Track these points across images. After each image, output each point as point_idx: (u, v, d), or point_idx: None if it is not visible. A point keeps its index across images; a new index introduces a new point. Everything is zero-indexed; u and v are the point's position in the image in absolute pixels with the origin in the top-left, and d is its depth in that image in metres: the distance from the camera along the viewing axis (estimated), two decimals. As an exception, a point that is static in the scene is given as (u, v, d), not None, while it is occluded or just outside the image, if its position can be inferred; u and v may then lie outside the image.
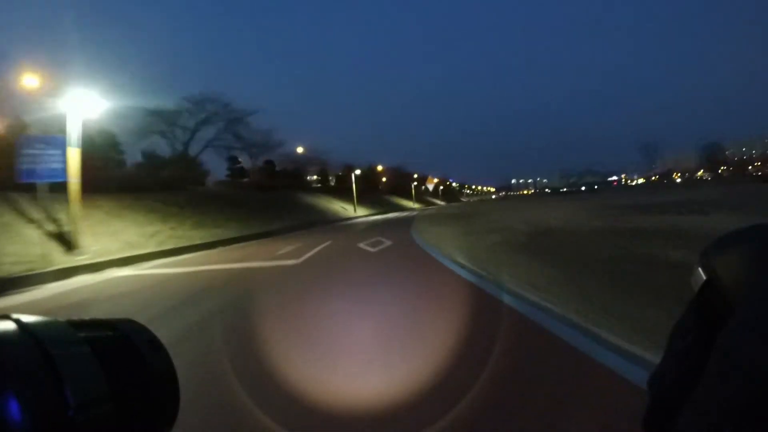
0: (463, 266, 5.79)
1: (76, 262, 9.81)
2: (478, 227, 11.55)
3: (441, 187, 72.15)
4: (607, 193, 58.01)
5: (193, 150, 31.00)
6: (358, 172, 39.65)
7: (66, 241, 11.12)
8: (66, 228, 11.52)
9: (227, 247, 13.22)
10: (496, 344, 2.65)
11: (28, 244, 10.40)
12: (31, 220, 11.66)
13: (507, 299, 3.83)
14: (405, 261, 6.93)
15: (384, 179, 59.44)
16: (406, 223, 18.51)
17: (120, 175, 21.14)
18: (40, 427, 0.21)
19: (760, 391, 0.22)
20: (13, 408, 0.20)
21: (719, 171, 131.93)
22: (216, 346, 3.13)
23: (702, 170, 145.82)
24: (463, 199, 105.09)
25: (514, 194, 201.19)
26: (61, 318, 0.26)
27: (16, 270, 8.38)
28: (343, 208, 36.54)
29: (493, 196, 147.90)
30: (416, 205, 59.52)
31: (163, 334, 0.35)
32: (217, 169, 36.34)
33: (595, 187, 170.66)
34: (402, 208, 48.97)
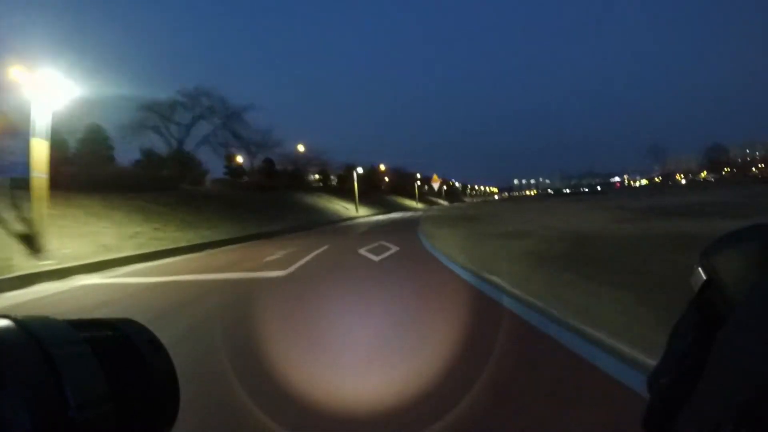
0: (498, 287, 4.44)
1: (40, 267, 8.63)
2: (496, 232, 10.32)
3: (444, 187, 70.90)
4: (612, 194, 56.78)
5: (188, 147, 29.82)
6: (360, 170, 38.43)
7: (34, 244, 9.95)
8: (37, 229, 10.34)
9: (215, 251, 12.04)
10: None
11: (-14, 247, 9.22)
12: (-5, 220, 10.49)
13: (603, 361, 2.42)
14: (417, 276, 5.68)
15: (386, 179, 58.34)
16: (411, 225, 17.31)
17: (111, 173, 19.95)
18: (40, 427, 0.21)
19: (759, 390, 0.22)
20: (13, 408, 0.20)
21: (722, 173, 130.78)
22: None
23: (705, 172, 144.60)
24: (467, 200, 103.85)
25: (517, 195, 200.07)
26: (61, 318, 0.26)
27: (-38, 278, 7.22)
28: (344, 207, 35.36)
29: (496, 197, 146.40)
30: (419, 205, 58.36)
31: None
32: (215, 168, 35.12)
33: (598, 188, 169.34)
34: (405, 208, 47.79)
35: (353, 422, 1.90)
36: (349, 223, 25.25)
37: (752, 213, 10.89)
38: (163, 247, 12.34)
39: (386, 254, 7.71)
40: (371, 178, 51.39)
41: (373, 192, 49.02)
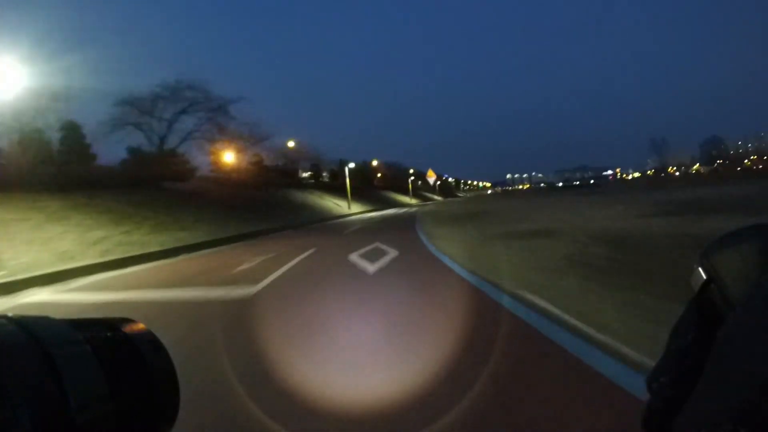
0: (556, 320, 3.00)
1: (-15, 280, 7.24)
2: (511, 231, 8.97)
3: (438, 183, 69.67)
4: (608, 187, 55.68)
5: (172, 143, 28.18)
6: (352, 165, 36.95)
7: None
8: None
9: (190, 256, 10.65)
10: None
11: None
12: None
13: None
14: (428, 297, 4.15)
15: (379, 174, 57.00)
16: (408, 222, 15.98)
17: (87, 172, 18.35)
18: (40, 428, 0.21)
19: (759, 391, 0.22)
20: (13, 408, 0.20)
21: (715, 166, 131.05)
22: None
23: (698, 165, 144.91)
24: (460, 195, 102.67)
25: (509, 189, 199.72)
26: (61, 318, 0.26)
27: None
28: (336, 204, 33.96)
29: (489, 192, 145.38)
30: (413, 201, 57.16)
31: None
32: (205, 165, 33.39)
33: (591, 182, 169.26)
34: (398, 204, 46.50)
35: None
36: (340, 221, 23.88)
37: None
38: (131, 253, 10.92)
39: (383, 262, 6.33)
40: (364, 173, 50.07)
41: (365, 188, 47.74)
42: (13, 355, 0.22)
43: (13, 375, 0.21)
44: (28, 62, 14.63)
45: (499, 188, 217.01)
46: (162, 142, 27.58)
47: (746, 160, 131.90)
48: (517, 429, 1.72)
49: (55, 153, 19.12)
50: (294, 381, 2.34)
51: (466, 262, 5.60)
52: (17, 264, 8.80)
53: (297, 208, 27.38)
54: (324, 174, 45.58)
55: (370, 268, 5.86)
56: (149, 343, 0.29)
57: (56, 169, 16.52)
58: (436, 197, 72.79)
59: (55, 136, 20.47)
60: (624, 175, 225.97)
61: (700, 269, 0.32)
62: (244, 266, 6.91)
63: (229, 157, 31.43)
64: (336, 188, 38.52)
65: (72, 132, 22.53)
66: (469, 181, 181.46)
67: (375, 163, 55.03)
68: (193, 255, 10.65)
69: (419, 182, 71.35)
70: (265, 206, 23.78)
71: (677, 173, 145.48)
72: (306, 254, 7.96)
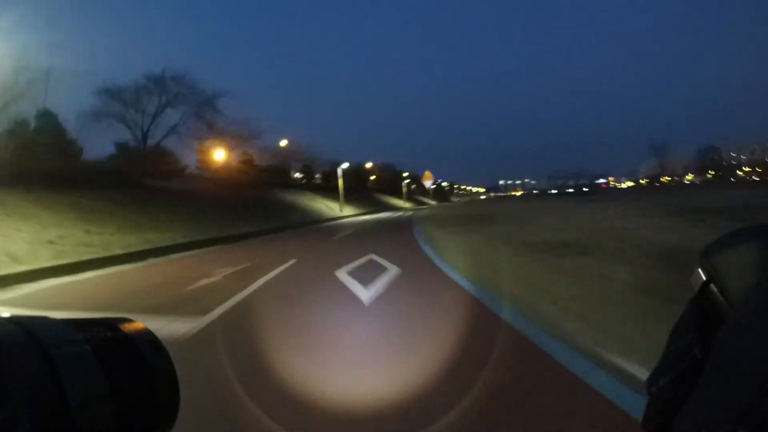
0: None
1: None
2: (535, 240, 7.53)
3: (433, 187, 68.45)
4: (604, 195, 54.75)
5: (156, 138, 26.57)
6: (345, 165, 35.47)
7: None
8: None
9: (154, 261, 9.22)
10: None
11: None
12: None
13: None
14: (458, 358, 2.48)
15: (373, 177, 55.66)
16: (405, 227, 14.59)
17: (60, 166, 16.67)
18: (40, 428, 0.21)
19: (758, 390, 0.21)
20: (13, 408, 0.20)
21: (707, 174, 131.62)
22: None
23: (691, 174, 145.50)
24: (454, 199, 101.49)
25: (503, 195, 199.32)
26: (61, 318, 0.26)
27: None
28: (328, 206, 32.51)
29: (482, 197, 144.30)
30: (407, 204, 55.88)
31: None
32: (189, 163, 31.66)
33: (584, 189, 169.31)
34: (392, 208, 45.16)
35: None
36: (331, 224, 22.44)
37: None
38: (89, 256, 9.44)
39: (381, 285, 4.80)
40: (358, 175, 48.71)
41: (359, 190, 46.39)
42: (13, 355, 0.22)
43: (13, 375, 0.21)
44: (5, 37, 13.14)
45: (492, 194, 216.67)
46: (145, 137, 26.02)
47: (739, 171, 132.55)
48: None
49: (35, 144, 17.55)
50: None
51: (500, 293, 4.12)
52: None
53: (286, 209, 25.88)
54: (317, 175, 44.17)
55: (364, 295, 4.30)
56: (149, 343, 0.29)
57: (26, 164, 14.95)
58: (430, 201, 71.61)
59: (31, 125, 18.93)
60: (617, 184, 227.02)
61: (700, 269, 0.32)
62: (204, 281, 5.42)
63: (216, 154, 29.88)
64: (329, 190, 37.10)
65: (48, 121, 20.82)
66: (463, 186, 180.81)
67: (369, 164, 53.67)
68: (157, 260, 9.17)
69: (413, 185, 70.12)
70: (251, 207, 22.28)
71: (672, 182, 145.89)
72: (284, 267, 6.47)
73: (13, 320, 0.24)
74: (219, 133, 28.99)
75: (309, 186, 39.06)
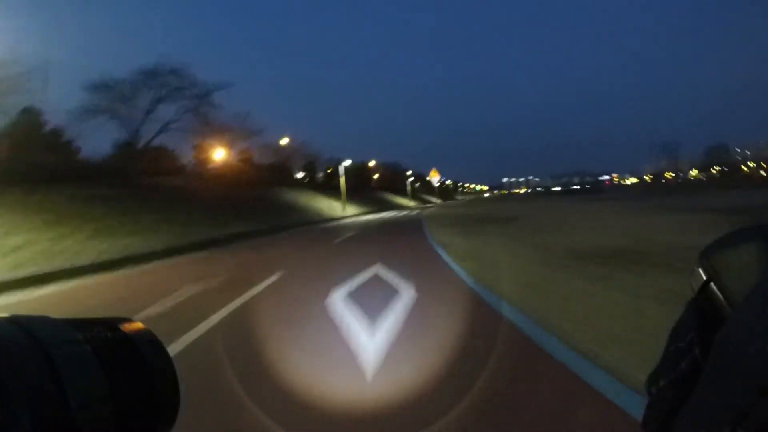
0: None
1: None
2: (576, 248, 6.30)
3: (439, 184, 66.98)
4: (612, 193, 53.23)
5: (150, 134, 25.29)
6: (347, 162, 34.11)
7: None
8: None
9: (125, 272, 8.01)
10: None
11: None
12: None
13: None
14: None
15: (376, 176, 54.34)
16: (414, 228, 13.30)
17: (39, 163, 15.45)
18: (40, 428, 0.21)
19: (758, 390, 0.21)
20: (13, 408, 0.20)
21: (712, 172, 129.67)
22: None
23: (696, 170, 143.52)
24: (459, 198, 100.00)
25: (506, 193, 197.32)
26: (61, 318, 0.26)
27: None
28: (329, 206, 31.23)
29: (486, 195, 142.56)
30: (412, 203, 54.57)
31: None
32: (186, 160, 30.27)
33: (587, 186, 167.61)
34: (397, 207, 43.83)
35: None
36: (332, 224, 21.17)
37: None
38: (54, 267, 8.22)
39: (394, 318, 3.58)
40: (361, 174, 47.42)
41: (362, 189, 45.11)
42: (13, 355, 0.22)
43: (13, 375, 0.21)
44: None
45: (497, 192, 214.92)
46: (137, 133, 24.77)
47: (743, 167, 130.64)
48: None
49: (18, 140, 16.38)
50: None
51: (583, 340, 2.76)
52: None
53: (285, 209, 24.62)
54: (320, 174, 42.91)
55: (366, 350, 2.85)
56: (149, 343, 0.29)
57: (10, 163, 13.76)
58: (435, 200, 70.23)
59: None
60: (621, 181, 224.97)
61: (700, 269, 0.32)
62: (150, 310, 4.19)
63: (214, 151, 28.63)
64: (331, 188, 35.83)
65: (27, 117, 19.60)
66: (466, 184, 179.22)
67: (372, 163, 52.36)
68: (123, 273, 7.89)
69: (417, 184, 68.73)
70: (249, 206, 21.06)
71: (678, 180, 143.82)
72: (264, 285, 5.19)
73: (13, 320, 0.24)
74: (216, 130, 27.68)
75: (311, 185, 37.82)
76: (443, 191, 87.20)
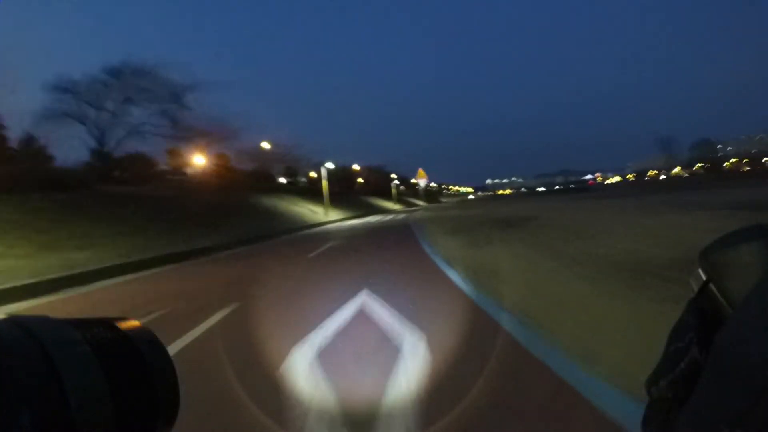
0: None
1: None
2: (617, 261, 4.95)
3: (426, 186, 65.72)
4: (600, 192, 52.56)
5: (117, 138, 23.41)
6: (329, 165, 32.51)
7: None
8: None
9: (70, 293, 6.44)
10: None
11: None
12: None
13: None
14: None
15: (360, 180, 52.90)
16: (406, 235, 11.84)
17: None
18: (40, 428, 0.21)
19: (758, 391, 0.21)
20: (13, 408, 0.20)
21: (694, 169, 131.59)
22: None
23: (679, 168, 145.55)
24: (444, 200, 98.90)
25: (492, 194, 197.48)
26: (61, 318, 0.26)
27: None
28: (311, 211, 29.63)
29: (471, 197, 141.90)
30: (397, 206, 53.25)
31: None
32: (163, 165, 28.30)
33: (571, 186, 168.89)
34: (382, 210, 42.38)
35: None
36: (313, 231, 19.60)
37: None
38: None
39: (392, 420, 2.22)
40: (345, 177, 45.93)
41: (346, 193, 43.61)
42: (13, 355, 0.22)
43: (13, 375, 0.21)
44: None
45: (481, 193, 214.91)
46: (102, 137, 22.88)
47: (726, 163, 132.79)
48: None
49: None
50: None
51: None
52: None
53: (262, 215, 22.94)
54: (303, 179, 41.31)
55: None
56: (149, 343, 0.29)
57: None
58: (420, 202, 69.00)
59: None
60: (605, 180, 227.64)
61: (700, 269, 0.32)
62: None
63: (189, 157, 26.81)
64: (314, 193, 34.23)
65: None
66: (451, 186, 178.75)
67: (356, 166, 50.90)
68: (57, 297, 6.30)
69: (401, 187, 67.47)
70: (221, 214, 19.33)
71: (662, 177, 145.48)
72: (202, 329, 3.63)
73: (13, 320, 0.24)
74: (191, 134, 25.88)
75: (293, 189, 36.16)
76: (428, 194, 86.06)
